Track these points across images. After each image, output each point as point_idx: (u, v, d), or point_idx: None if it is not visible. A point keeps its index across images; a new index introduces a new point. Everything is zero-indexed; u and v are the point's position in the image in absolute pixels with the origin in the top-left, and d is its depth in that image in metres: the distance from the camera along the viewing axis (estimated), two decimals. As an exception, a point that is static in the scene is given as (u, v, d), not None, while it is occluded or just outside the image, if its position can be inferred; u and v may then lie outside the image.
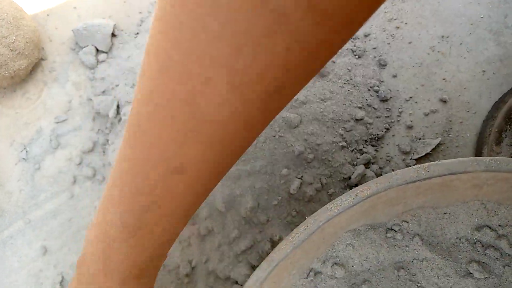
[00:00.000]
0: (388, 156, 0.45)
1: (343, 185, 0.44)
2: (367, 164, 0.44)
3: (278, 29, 0.16)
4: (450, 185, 0.31)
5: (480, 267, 0.32)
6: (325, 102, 0.44)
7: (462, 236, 0.33)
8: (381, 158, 0.45)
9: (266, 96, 0.19)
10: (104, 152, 0.49)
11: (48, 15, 0.56)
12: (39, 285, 0.47)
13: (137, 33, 0.53)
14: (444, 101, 0.45)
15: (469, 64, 0.46)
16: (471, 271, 0.32)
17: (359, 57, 0.48)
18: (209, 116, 0.19)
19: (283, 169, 0.42)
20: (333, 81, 0.45)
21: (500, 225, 0.33)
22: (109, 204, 0.26)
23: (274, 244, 0.43)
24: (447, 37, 0.47)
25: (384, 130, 0.45)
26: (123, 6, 0.55)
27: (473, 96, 0.46)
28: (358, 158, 0.44)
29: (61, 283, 0.47)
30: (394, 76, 0.47)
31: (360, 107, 0.45)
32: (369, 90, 0.46)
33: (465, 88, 0.46)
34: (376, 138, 0.45)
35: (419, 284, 0.32)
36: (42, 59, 0.54)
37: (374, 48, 0.48)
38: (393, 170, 0.44)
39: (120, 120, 0.49)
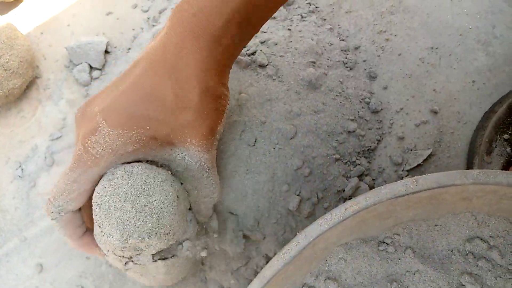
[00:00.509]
0: (380, 167, 0.45)
1: (337, 198, 0.44)
2: (360, 176, 0.45)
3: None
4: (439, 198, 0.31)
5: (472, 278, 0.32)
6: (318, 114, 0.45)
7: (454, 247, 0.34)
8: (373, 170, 0.45)
9: None
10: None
11: (41, 33, 0.57)
12: (35, 303, 0.47)
13: (129, 49, 0.54)
14: (434, 112, 0.46)
15: (459, 75, 0.47)
16: (463, 283, 0.32)
17: (350, 69, 0.48)
18: None
19: (284, 185, 0.43)
20: (325, 93, 0.46)
21: (491, 236, 0.33)
22: None
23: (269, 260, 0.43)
24: (436, 48, 0.48)
25: (376, 141, 0.46)
26: (116, 23, 0.56)
27: (463, 106, 0.46)
28: (351, 171, 0.44)
29: (56, 301, 0.47)
30: (385, 88, 0.47)
31: (352, 119, 0.45)
32: (360, 102, 0.47)
33: (455, 98, 0.46)
34: (369, 150, 0.46)
35: (411, 298, 0.33)
36: (36, 77, 0.55)
37: (364, 61, 0.49)
38: (385, 181, 0.45)
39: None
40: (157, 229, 0.32)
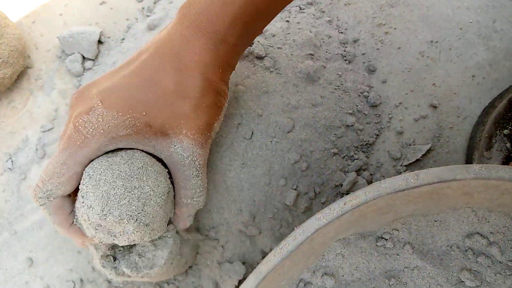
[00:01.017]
0: (379, 162, 0.45)
1: (335, 192, 0.43)
2: (358, 171, 0.44)
3: None
4: (440, 193, 0.30)
5: (472, 275, 0.32)
6: (316, 107, 0.44)
7: (453, 243, 0.33)
8: (371, 165, 0.45)
9: None
10: (90, 161, 0.48)
11: (33, 22, 0.55)
12: (25, 298, 0.47)
13: (123, 39, 0.53)
14: (434, 107, 0.45)
15: (459, 69, 0.46)
16: (462, 279, 0.32)
17: (349, 62, 0.47)
18: None
19: (281, 180, 0.42)
20: (323, 87, 0.45)
21: (491, 232, 0.33)
22: None
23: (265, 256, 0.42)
24: (436, 42, 0.47)
25: (375, 136, 0.45)
26: (110, 13, 0.55)
27: (463, 101, 0.45)
28: (349, 165, 0.44)
29: (47, 296, 0.46)
30: (384, 82, 0.47)
31: (350, 113, 0.45)
32: (359, 95, 0.46)
33: (455, 93, 0.46)
34: (367, 145, 0.45)
35: (410, 294, 0.32)
36: (28, 67, 0.53)
37: (363, 54, 0.48)
38: (383, 176, 0.44)
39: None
40: (139, 214, 0.31)
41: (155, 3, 0.54)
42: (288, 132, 0.42)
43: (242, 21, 0.33)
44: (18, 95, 0.53)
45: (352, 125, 0.44)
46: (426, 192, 0.30)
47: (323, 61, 0.46)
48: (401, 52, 0.48)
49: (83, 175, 0.32)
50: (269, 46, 0.47)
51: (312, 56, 0.46)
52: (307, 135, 0.43)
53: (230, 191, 0.42)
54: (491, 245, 0.32)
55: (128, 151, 0.33)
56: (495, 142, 0.42)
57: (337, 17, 0.50)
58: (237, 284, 0.42)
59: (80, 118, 0.31)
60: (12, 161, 0.50)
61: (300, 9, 0.51)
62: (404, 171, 0.44)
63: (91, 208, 0.31)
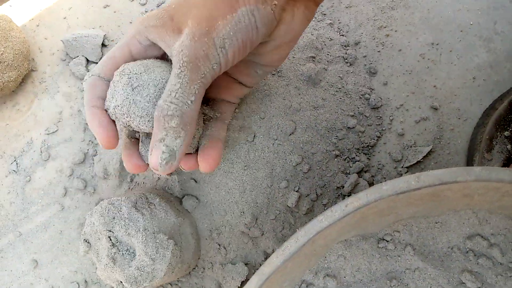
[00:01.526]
0: (380, 164, 0.45)
1: (336, 194, 0.44)
2: (359, 173, 0.44)
3: None
4: (441, 195, 0.31)
5: (473, 276, 0.32)
6: (317, 109, 0.44)
7: (454, 245, 0.33)
8: (373, 167, 0.45)
9: None
10: (94, 163, 0.49)
11: (37, 25, 0.56)
12: (30, 299, 0.47)
13: (127, 43, 0.53)
14: (435, 109, 0.46)
15: (460, 71, 0.47)
16: (463, 281, 0.32)
17: (350, 64, 0.48)
18: None
19: (283, 182, 0.42)
20: (325, 89, 0.45)
21: (492, 234, 0.33)
22: None
23: (267, 257, 0.42)
24: (437, 44, 0.48)
25: (376, 138, 0.45)
26: (113, 16, 0.55)
27: (463, 103, 0.46)
28: (351, 167, 0.44)
29: (52, 297, 0.47)
30: (385, 84, 0.47)
31: (352, 115, 0.45)
32: (360, 98, 0.46)
33: (455, 95, 0.46)
34: (368, 147, 0.45)
35: (411, 295, 0.32)
36: (32, 70, 0.54)
37: (364, 56, 0.48)
38: (385, 178, 0.44)
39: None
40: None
41: (158, 6, 0.54)
42: (290, 134, 0.43)
43: None
44: (23, 98, 0.53)
45: (353, 127, 0.44)
46: (427, 194, 0.30)
47: (325, 63, 0.47)
48: (402, 54, 0.48)
49: (119, 71, 0.32)
50: (271, 49, 0.47)
51: (313, 59, 0.46)
52: (308, 137, 0.43)
53: (232, 193, 0.42)
54: (492, 247, 0.32)
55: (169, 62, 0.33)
56: (496, 144, 0.42)
57: (339, 20, 0.50)
58: (240, 285, 0.42)
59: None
60: (17, 164, 0.51)
61: (302, 12, 0.51)
62: (405, 172, 0.44)
63: (116, 89, 0.31)
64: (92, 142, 0.50)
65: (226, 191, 0.42)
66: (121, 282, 0.38)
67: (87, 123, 0.50)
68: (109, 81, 0.33)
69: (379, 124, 0.46)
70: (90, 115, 0.32)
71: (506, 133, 0.42)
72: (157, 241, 0.37)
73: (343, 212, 0.30)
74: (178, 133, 0.28)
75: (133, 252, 0.38)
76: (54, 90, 0.53)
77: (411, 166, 0.44)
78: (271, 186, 0.42)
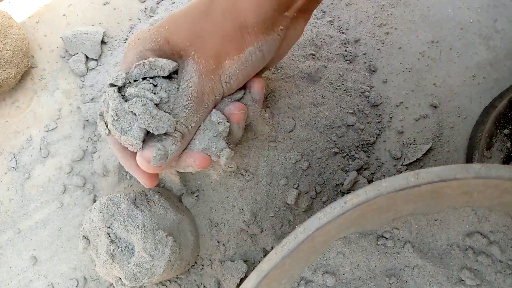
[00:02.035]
0: (379, 162, 0.45)
1: (335, 192, 0.44)
2: (359, 170, 0.44)
3: None
4: (440, 192, 0.31)
5: (472, 274, 0.32)
6: (317, 107, 0.44)
7: (454, 242, 0.33)
8: (372, 164, 0.45)
9: None
10: (94, 160, 0.49)
11: (37, 22, 0.56)
12: (29, 296, 0.47)
13: (126, 39, 0.53)
14: (434, 106, 0.45)
15: (459, 69, 0.47)
16: (463, 278, 0.32)
17: (350, 62, 0.48)
18: None
19: (282, 179, 0.42)
20: (324, 86, 0.45)
21: (491, 231, 0.33)
22: None
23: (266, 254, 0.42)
24: (437, 42, 0.48)
25: (375, 135, 0.45)
26: (113, 13, 0.55)
27: (463, 101, 0.46)
28: (350, 164, 0.44)
29: (51, 294, 0.47)
30: (384, 82, 0.47)
31: (351, 113, 0.45)
32: (360, 95, 0.46)
33: (455, 93, 0.46)
34: (368, 144, 0.45)
35: (410, 292, 0.32)
36: (31, 67, 0.54)
37: (364, 54, 0.48)
38: (384, 176, 0.44)
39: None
40: None
41: (158, 3, 0.54)
42: (290, 131, 0.43)
43: None
44: (22, 95, 0.53)
45: (353, 125, 0.44)
46: (426, 191, 0.30)
47: (324, 61, 0.47)
48: (402, 52, 0.48)
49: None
50: (271, 46, 0.47)
51: (313, 56, 0.46)
52: (308, 134, 0.43)
53: (231, 190, 0.42)
54: (491, 244, 0.32)
55: None
56: (496, 142, 0.42)
57: (338, 17, 0.50)
58: (239, 282, 0.42)
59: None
60: (16, 160, 0.51)
61: (302, 9, 0.51)
62: (405, 170, 0.44)
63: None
64: (91, 139, 0.50)
65: (226, 189, 0.42)
66: (120, 278, 0.38)
67: (86, 120, 0.50)
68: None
69: (378, 122, 0.46)
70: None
71: (506, 131, 0.42)
72: (156, 237, 0.37)
73: (342, 209, 0.30)
74: (176, 142, 0.31)
75: (132, 249, 0.38)
76: (53, 87, 0.53)
77: (410, 163, 0.44)
78: (270, 183, 0.42)
